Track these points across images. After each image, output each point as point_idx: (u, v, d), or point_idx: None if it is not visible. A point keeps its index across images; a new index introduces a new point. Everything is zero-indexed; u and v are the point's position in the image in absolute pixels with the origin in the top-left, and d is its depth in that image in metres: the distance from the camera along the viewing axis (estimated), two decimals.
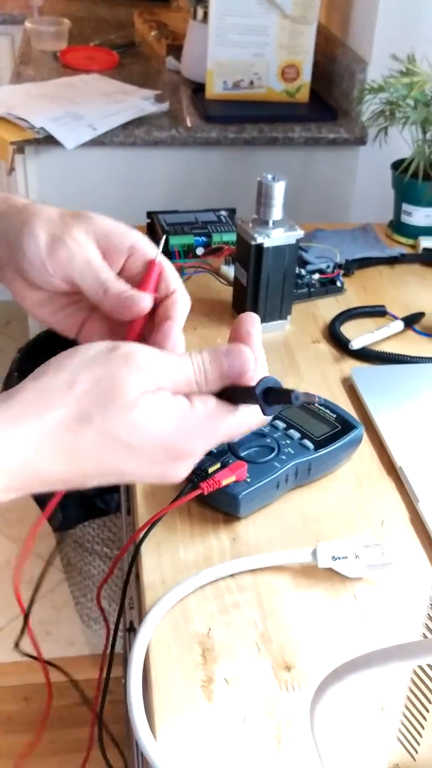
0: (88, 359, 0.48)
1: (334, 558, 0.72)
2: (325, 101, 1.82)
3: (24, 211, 0.57)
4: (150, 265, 0.56)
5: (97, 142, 1.63)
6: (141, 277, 0.56)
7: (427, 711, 0.53)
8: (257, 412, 0.51)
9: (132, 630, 0.80)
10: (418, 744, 0.55)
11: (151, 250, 0.57)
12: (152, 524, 0.76)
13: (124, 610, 0.81)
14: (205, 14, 1.76)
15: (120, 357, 0.48)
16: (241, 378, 0.51)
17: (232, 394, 0.52)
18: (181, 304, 0.57)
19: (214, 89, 1.78)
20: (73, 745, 1.53)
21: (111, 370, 0.48)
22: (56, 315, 0.59)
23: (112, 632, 0.81)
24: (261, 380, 0.50)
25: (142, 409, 0.48)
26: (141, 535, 0.76)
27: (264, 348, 0.53)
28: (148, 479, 0.51)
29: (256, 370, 0.51)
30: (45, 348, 1.86)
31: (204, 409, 0.50)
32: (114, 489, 1.41)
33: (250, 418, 0.52)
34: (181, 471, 0.51)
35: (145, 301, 0.55)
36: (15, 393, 0.47)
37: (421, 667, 0.53)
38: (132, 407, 0.47)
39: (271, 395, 0.50)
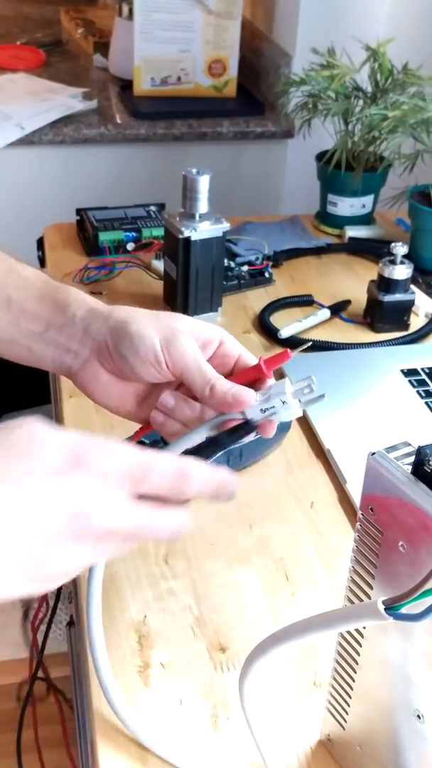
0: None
1: (262, 411, 0.62)
2: (252, 95, 1.84)
3: (113, 316, 0.62)
4: (258, 367, 0.63)
5: (26, 141, 1.63)
6: (227, 365, 0.64)
7: (354, 681, 0.55)
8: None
9: (71, 624, 0.80)
10: (347, 713, 0.57)
11: (234, 345, 0.64)
12: None
13: (57, 609, 0.81)
14: (131, 11, 1.76)
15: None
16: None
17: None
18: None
19: (142, 86, 1.78)
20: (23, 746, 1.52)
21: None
22: (139, 403, 0.65)
23: (45, 630, 0.81)
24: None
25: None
26: None
27: None
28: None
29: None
30: None
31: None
32: None
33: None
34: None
35: (249, 400, 0.60)
36: None
37: (346, 640, 0.54)
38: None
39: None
